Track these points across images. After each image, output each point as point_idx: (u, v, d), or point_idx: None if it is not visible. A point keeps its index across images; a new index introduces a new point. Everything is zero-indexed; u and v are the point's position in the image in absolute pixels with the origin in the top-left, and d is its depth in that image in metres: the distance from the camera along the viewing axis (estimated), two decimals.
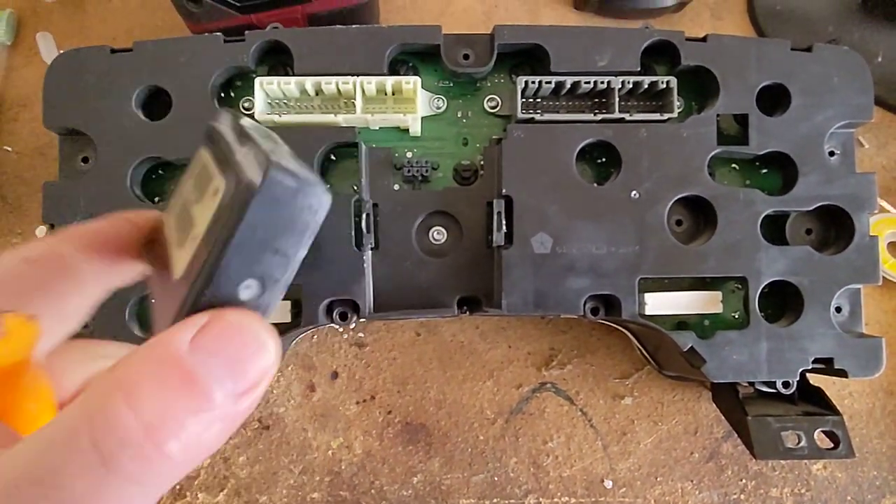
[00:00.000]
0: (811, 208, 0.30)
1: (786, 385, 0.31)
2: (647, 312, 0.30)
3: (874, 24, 0.43)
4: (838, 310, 0.31)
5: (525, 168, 0.29)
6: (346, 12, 0.39)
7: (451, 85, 0.32)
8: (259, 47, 0.29)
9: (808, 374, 0.33)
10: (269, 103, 0.30)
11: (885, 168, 0.41)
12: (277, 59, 0.31)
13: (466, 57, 0.30)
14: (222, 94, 0.31)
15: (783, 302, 0.31)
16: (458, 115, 0.31)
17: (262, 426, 0.35)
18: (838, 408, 0.30)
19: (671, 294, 0.30)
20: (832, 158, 0.31)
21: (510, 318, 0.38)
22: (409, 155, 0.31)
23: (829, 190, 0.29)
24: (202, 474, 0.34)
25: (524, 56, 0.31)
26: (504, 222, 0.29)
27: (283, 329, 0.29)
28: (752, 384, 0.32)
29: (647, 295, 0.30)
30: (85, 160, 0.29)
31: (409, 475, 0.34)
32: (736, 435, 0.35)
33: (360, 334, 0.37)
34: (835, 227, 0.31)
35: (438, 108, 0.31)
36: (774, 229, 0.31)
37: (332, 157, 0.31)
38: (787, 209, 0.30)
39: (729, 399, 0.34)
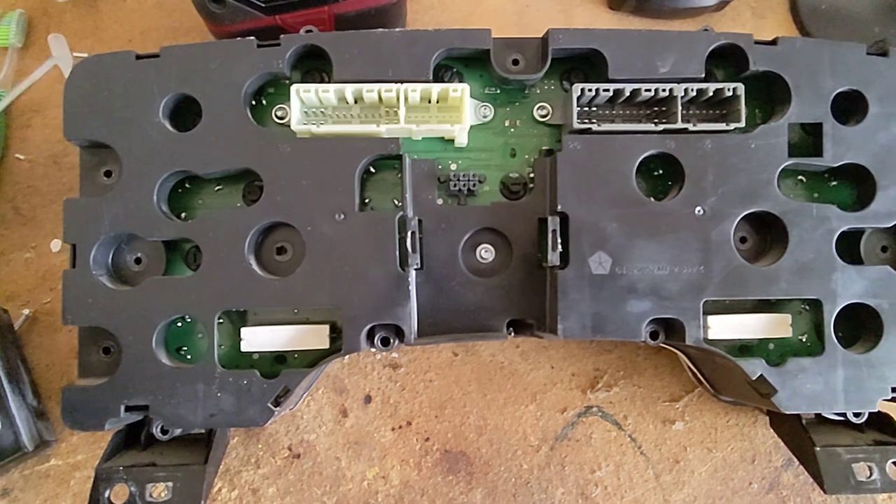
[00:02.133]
0: (890, 225, 0.27)
1: (857, 414, 0.29)
2: (711, 336, 0.27)
3: None
4: None
5: (581, 182, 0.27)
6: (374, 12, 0.36)
7: (498, 92, 0.29)
8: (295, 52, 0.27)
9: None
10: (306, 112, 0.28)
11: None
12: (312, 65, 0.28)
13: (516, 62, 0.28)
14: (254, 102, 0.29)
15: (857, 325, 0.28)
16: (506, 125, 0.29)
17: (292, 454, 0.33)
18: None
19: (737, 317, 0.28)
20: None
21: None
22: (453, 167, 0.29)
23: None
24: None
25: (576, 61, 0.29)
26: (559, 241, 0.27)
27: (320, 355, 0.27)
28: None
29: (710, 318, 0.27)
30: (108, 174, 0.27)
31: None
32: (796, 462, 0.32)
33: (395, 355, 0.35)
34: None
35: (485, 116, 0.29)
36: (847, 247, 0.29)
37: (372, 170, 0.29)
38: (865, 226, 0.27)
39: (790, 425, 0.32)
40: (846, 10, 0.44)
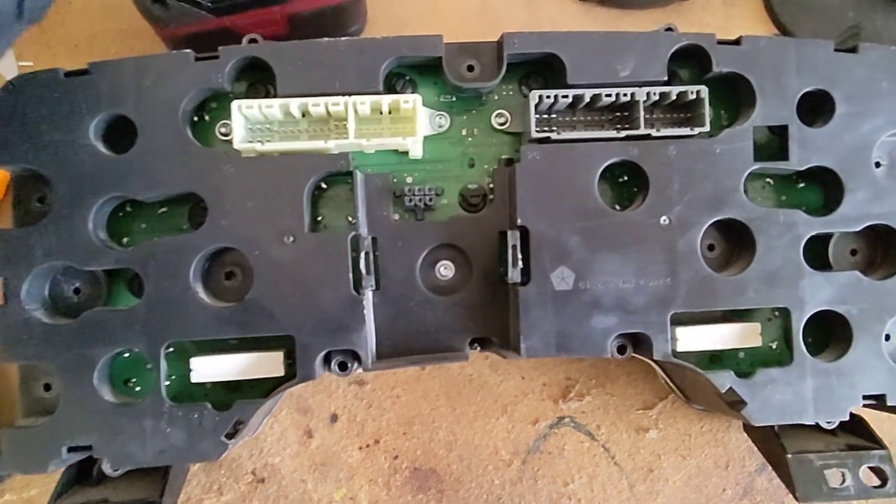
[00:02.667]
0: (859, 229, 0.27)
1: (828, 421, 0.28)
2: (679, 349, 0.27)
3: None
4: (887, 338, 0.28)
5: (542, 194, 0.26)
6: (330, 11, 0.35)
7: (454, 99, 0.28)
8: (235, 66, 0.25)
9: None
10: (250, 129, 0.26)
11: None
12: (257, 77, 0.27)
13: (471, 69, 0.27)
14: (196, 119, 0.27)
15: (826, 333, 0.28)
16: (463, 134, 0.28)
17: (256, 479, 0.32)
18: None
19: (705, 328, 0.27)
20: (878, 170, 0.28)
21: None
22: (409, 180, 0.28)
23: (878, 208, 0.27)
24: None
25: (535, 66, 0.28)
26: (520, 257, 0.26)
27: (275, 383, 0.26)
28: None
29: (678, 329, 0.27)
30: (41, 200, 0.26)
31: None
32: (770, 467, 0.32)
33: (359, 371, 0.34)
34: (882, 247, 0.28)
35: (441, 126, 0.28)
36: (815, 252, 0.28)
37: (323, 186, 0.27)
38: (833, 230, 0.27)
39: (763, 431, 0.32)
40: None
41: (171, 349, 0.26)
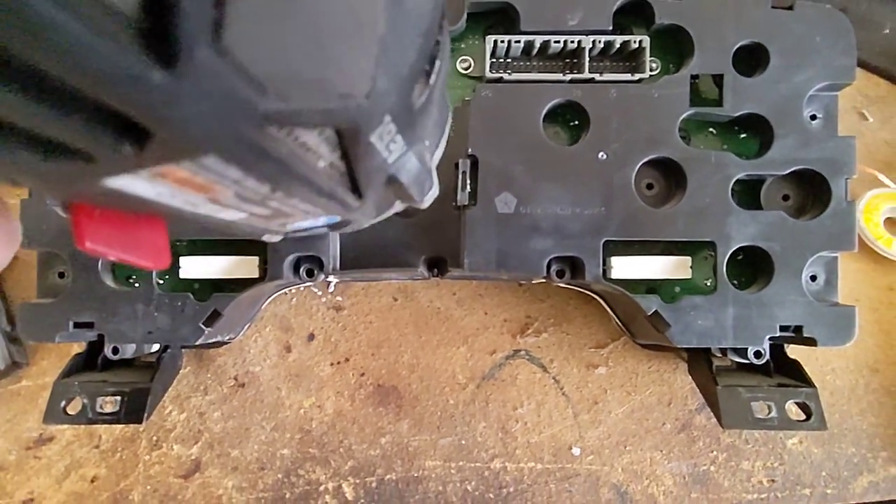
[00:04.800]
0: (785, 172, 0.29)
1: (758, 355, 0.30)
2: (613, 276, 0.29)
3: None
4: (813, 279, 0.30)
5: (492, 127, 0.29)
6: None
7: None
8: None
9: (784, 347, 0.32)
10: None
11: (887, 143, 0.40)
12: None
13: None
14: None
15: (756, 270, 0.30)
16: None
17: (237, 384, 0.36)
18: (818, 384, 0.30)
19: (638, 258, 0.29)
20: (813, 122, 0.30)
21: (487, 286, 0.38)
22: None
23: (805, 154, 0.29)
24: (178, 427, 0.35)
25: (496, 17, 0.31)
26: (469, 182, 0.29)
27: (250, 283, 0.30)
28: (725, 354, 0.32)
29: (613, 259, 0.29)
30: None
31: (378, 436, 0.35)
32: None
33: (339, 298, 0.38)
34: (812, 193, 0.30)
35: None
36: (751, 196, 0.30)
37: None
38: (761, 173, 0.29)
39: (703, 370, 0.34)
40: None
41: None
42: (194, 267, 0.30)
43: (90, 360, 0.33)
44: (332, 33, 0.10)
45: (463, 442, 0.34)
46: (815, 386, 0.30)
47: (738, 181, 0.29)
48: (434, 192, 0.17)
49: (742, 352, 0.30)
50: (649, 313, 0.28)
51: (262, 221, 0.15)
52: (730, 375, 0.32)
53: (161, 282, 0.30)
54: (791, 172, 0.29)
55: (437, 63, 0.14)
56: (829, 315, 0.28)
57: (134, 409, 0.31)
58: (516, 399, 0.35)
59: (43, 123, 0.09)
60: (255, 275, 0.30)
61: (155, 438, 0.34)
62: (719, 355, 0.33)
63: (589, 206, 0.29)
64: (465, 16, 0.29)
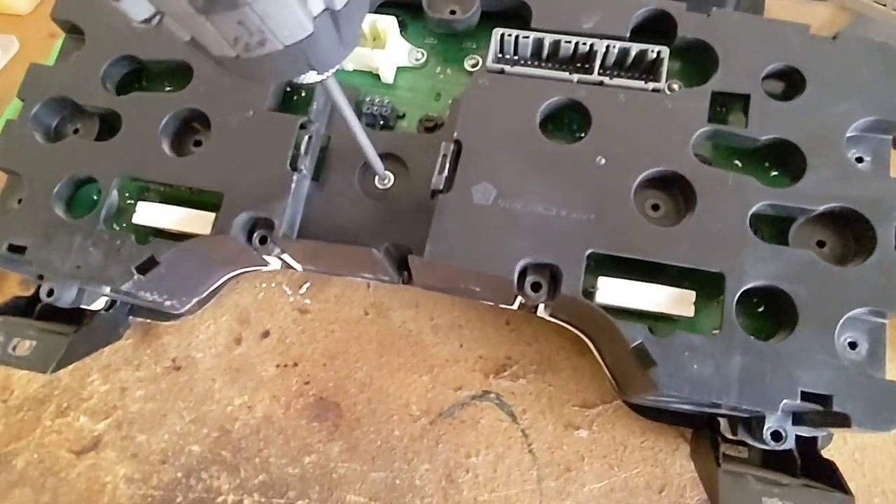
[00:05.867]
0: (818, 209, 0.24)
1: (776, 437, 0.24)
2: (598, 300, 0.25)
3: None
4: (853, 346, 0.24)
5: (483, 115, 0.27)
6: None
7: (436, 42, 0.31)
8: None
9: (817, 443, 0.26)
10: None
11: None
12: None
13: (453, 12, 0.29)
14: None
15: (778, 322, 0.24)
16: (437, 71, 0.30)
17: (173, 366, 0.32)
18: None
19: (631, 283, 0.25)
20: (860, 165, 0.26)
21: (470, 317, 0.34)
22: (377, 99, 0.30)
23: (844, 190, 0.24)
24: (94, 398, 0.31)
25: (511, 18, 0.30)
26: (448, 166, 0.26)
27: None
28: (737, 436, 0.25)
29: (601, 279, 0.25)
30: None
31: (303, 453, 0.29)
32: None
33: (307, 301, 0.34)
34: (853, 239, 0.25)
35: (417, 59, 0.30)
36: (776, 233, 0.25)
37: (303, 94, 0.30)
38: (787, 204, 0.24)
39: (706, 452, 0.27)
40: None
41: (128, 193, 0.29)
42: (149, 213, 0.28)
43: (30, 307, 0.31)
44: None
45: (397, 482, 0.28)
46: (851, 494, 0.23)
47: (763, 217, 0.25)
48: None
49: (756, 430, 0.24)
50: (633, 345, 0.23)
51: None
52: (739, 464, 0.26)
53: (116, 227, 0.29)
54: (827, 213, 0.24)
55: None
56: (869, 388, 0.22)
57: (42, 357, 0.28)
58: (472, 445, 0.29)
59: None
60: (207, 232, 0.28)
61: (65, 405, 0.31)
62: (730, 436, 0.26)
63: (577, 210, 0.25)
64: (478, 7, 0.29)
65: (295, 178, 0.27)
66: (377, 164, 0.26)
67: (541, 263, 0.25)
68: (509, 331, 0.33)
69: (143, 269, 0.26)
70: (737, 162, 0.27)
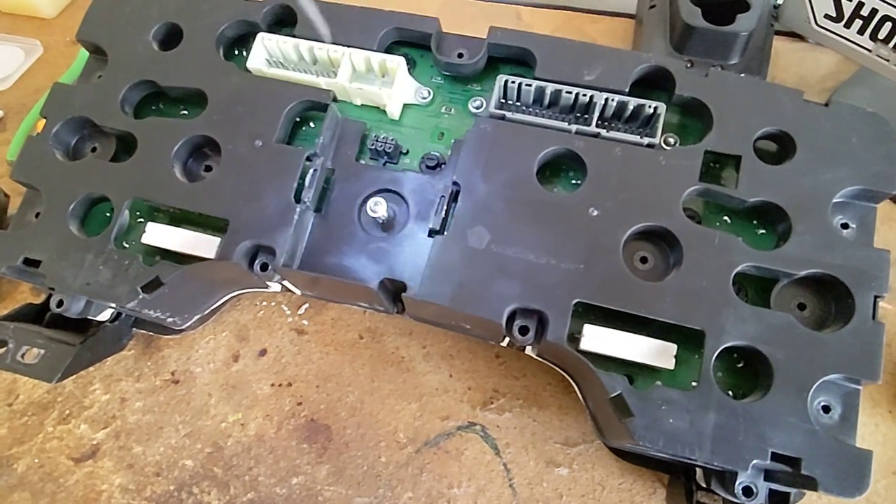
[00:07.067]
0: (800, 273, 0.25)
1: (748, 493, 0.24)
2: (583, 347, 0.25)
3: None
4: (826, 410, 0.25)
5: (483, 160, 0.28)
6: None
7: (443, 82, 0.32)
8: (272, 11, 0.31)
9: (790, 499, 0.26)
10: (267, 59, 0.31)
11: None
12: (285, 26, 0.33)
13: (461, 56, 0.30)
14: (236, 52, 0.33)
15: (756, 381, 0.25)
16: (441, 110, 0.31)
17: (172, 379, 0.33)
18: None
19: (615, 333, 0.26)
20: (846, 231, 0.26)
21: (461, 348, 0.34)
22: (382, 135, 0.31)
23: (827, 257, 0.25)
24: (95, 407, 0.32)
25: (516, 64, 0.31)
26: (445, 208, 0.27)
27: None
28: (710, 486, 0.26)
29: (587, 327, 0.26)
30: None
31: (291, 474, 0.30)
32: None
33: (305, 322, 0.35)
34: (833, 305, 0.25)
35: (423, 97, 0.31)
36: (759, 294, 0.26)
37: (311, 125, 0.31)
38: (770, 267, 0.25)
39: (680, 500, 0.28)
40: None
41: (139, 212, 0.30)
42: (158, 234, 0.29)
43: (40, 314, 0.32)
44: None
45: None
46: None
47: (747, 276, 0.26)
48: None
49: (729, 484, 0.25)
50: (612, 395, 0.24)
51: None
52: None
53: (126, 245, 0.30)
54: (809, 277, 0.25)
55: None
56: (839, 453, 0.23)
57: (49, 368, 0.29)
58: (455, 476, 0.30)
59: None
60: (211, 256, 0.29)
61: (67, 412, 0.32)
62: (704, 487, 0.27)
63: (567, 260, 0.26)
64: (485, 52, 0.30)
65: (298, 209, 0.28)
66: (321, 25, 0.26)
67: (529, 309, 0.26)
68: (499, 364, 0.34)
69: (149, 289, 0.28)
70: (726, 218, 0.28)
